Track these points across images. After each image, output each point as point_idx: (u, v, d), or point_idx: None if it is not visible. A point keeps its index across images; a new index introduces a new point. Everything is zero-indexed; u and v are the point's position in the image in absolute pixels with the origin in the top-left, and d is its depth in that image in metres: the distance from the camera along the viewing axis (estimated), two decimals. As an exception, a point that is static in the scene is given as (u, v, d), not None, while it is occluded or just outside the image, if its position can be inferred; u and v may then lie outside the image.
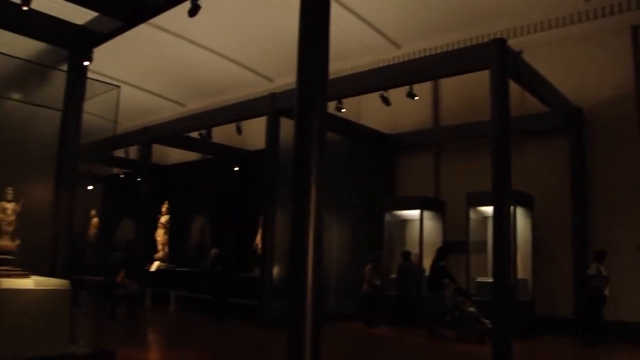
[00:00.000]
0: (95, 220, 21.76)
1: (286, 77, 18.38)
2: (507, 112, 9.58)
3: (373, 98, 13.47)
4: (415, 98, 12.55)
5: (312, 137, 5.52)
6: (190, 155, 20.60)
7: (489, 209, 13.31)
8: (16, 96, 7.94)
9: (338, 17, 14.58)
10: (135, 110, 21.18)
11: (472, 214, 13.25)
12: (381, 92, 12.27)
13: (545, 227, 13.12)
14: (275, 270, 12.46)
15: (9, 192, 6.42)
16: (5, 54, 6.25)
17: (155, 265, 17.16)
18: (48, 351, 5.90)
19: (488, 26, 14.14)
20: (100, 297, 12.16)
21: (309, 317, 5.22)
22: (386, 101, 12.41)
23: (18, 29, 8.55)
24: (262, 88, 18.97)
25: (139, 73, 19.16)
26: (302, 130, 5.58)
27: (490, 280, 11.59)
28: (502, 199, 9.29)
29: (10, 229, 6.29)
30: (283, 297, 12.22)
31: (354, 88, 12.26)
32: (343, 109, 12.88)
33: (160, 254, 18.04)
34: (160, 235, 18.29)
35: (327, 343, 5.35)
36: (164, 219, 18.37)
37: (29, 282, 5.96)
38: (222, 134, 16.73)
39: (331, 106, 12.92)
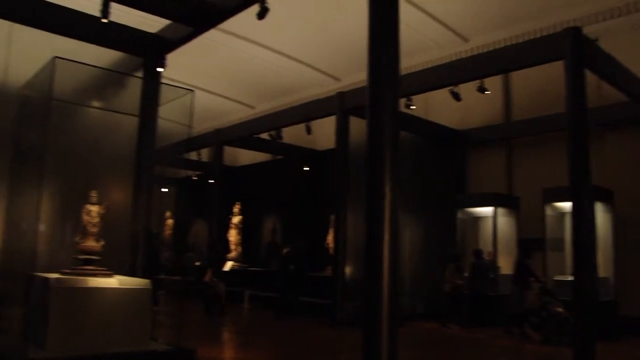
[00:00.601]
0: (170, 221, 22.52)
1: (353, 76, 18.34)
2: (584, 103, 9.23)
3: (441, 94, 13.26)
4: (486, 92, 12.23)
5: (384, 135, 5.50)
6: (260, 157, 20.96)
7: (566, 205, 12.92)
8: (96, 104, 8.28)
9: (403, 12, 14.37)
10: (206, 113, 21.69)
11: (549, 210, 12.84)
12: (451, 87, 12.03)
13: (627, 224, 12.51)
14: (348, 270, 12.46)
15: (93, 195, 6.70)
16: (86, 64, 6.52)
17: (228, 265, 17.50)
18: (131, 347, 6.12)
19: (560, 14, 13.62)
20: (180, 296, 12.53)
21: (385, 317, 5.17)
22: (456, 96, 12.19)
23: (96, 40, 8.94)
24: (329, 87, 19.06)
25: (209, 77, 19.59)
26: (374, 128, 5.56)
27: (570, 278, 11.22)
28: (580, 195, 8.96)
29: (95, 230, 6.56)
30: (355, 297, 12.26)
31: (423, 84, 12.11)
32: (413, 106, 12.72)
33: (233, 254, 18.42)
34: (232, 235, 18.67)
35: (404, 344, 5.27)
36: (236, 219, 18.74)
37: (113, 281, 6.21)
38: (292, 134, 16.90)
39: (400, 103, 12.79)
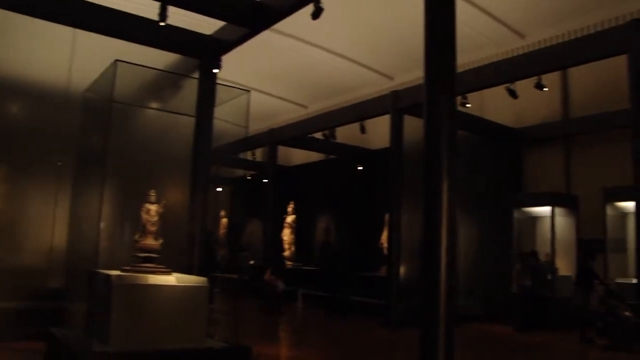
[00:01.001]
0: (224, 220, 22.90)
1: (407, 75, 18.18)
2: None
3: (496, 92, 13.01)
4: (544, 89, 11.91)
5: (442, 133, 5.45)
6: (314, 156, 21.03)
7: (628, 205, 12.49)
8: (155, 105, 8.49)
9: (457, 9, 14.19)
10: (259, 113, 21.91)
11: (609, 210, 12.43)
12: (507, 84, 11.77)
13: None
14: (402, 270, 12.35)
15: (152, 194, 6.86)
16: (146, 66, 6.68)
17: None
18: (188, 344, 6.23)
19: (619, 7, 13.09)
20: (235, 294, 12.70)
21: (443, 317, 5.10)
22: (513, 94, 11.91)
23: (154, 43, 9.19)
24: (382, 86, 18.95)
25: (262, 77, 19.77)
26: (432, 126, 5.52)
27: (634, 281, 10.82)
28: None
29: (154, 229, 6.72)
30: (410, 297, 12.15)
31: (478, 82, 11.91)
32: (468, 104, 12.51)
33: (286, 253, 18.57)
34: (286, 234, 18.83)
35: (459, 345, 5.18)
36: (290, 218, 18.89)
37: (171, 279, 6.34)
38: (344, 133, 16.88)
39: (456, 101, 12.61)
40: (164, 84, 8.93)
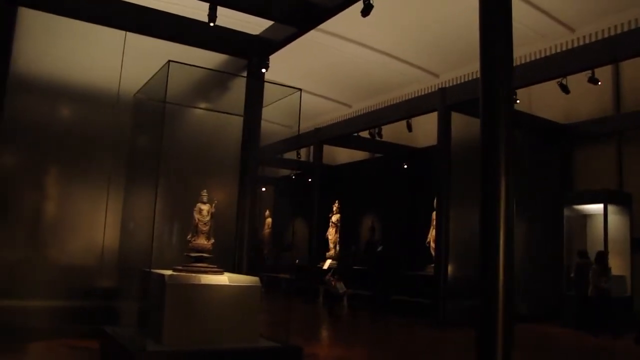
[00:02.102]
0: (269, 220, 23.03)
1: (452, 72, 17.97)
2: None
3: (544, 87, 12.68)
4: (598, 83, 11.55)
5: (499, 130, 5.31)
6: (358, 155, 20.92)
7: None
8: (206, 105, 8.56)
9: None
10: (303, 113, 21.89)
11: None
12: (559, 79, 11.44)
13: None
14: (450, 269, 12.16)
15: (204, 194, 6.91)
16: (199, 66, 6.73)
17: (327, 264, 17.62)
18: (241, 344, 6.25)
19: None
20: (284, 294, 12.76)
21: (501, 318, 5.00)
22: (565, 89, 11.56)
23: (202, 44, 9.27)
24: (427, 84, 18.77)
25: (305, 76, 19.75)
26: (489, 123, 5.41)
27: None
28: None
29: (206, 229, 6.76)
30: (458, 297, 11.96)
31: (527, 77, 11.60)
32: (517, 100, 12.22)
33: (331, 252, 18.54)
34: (331, 234, 18.80)
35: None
36: (334, 218, 18.85)
37: (224, 279, 6.36)
38: (389, 132, 16.73)
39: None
40: (213, 84, 9.00)
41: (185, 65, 6.31)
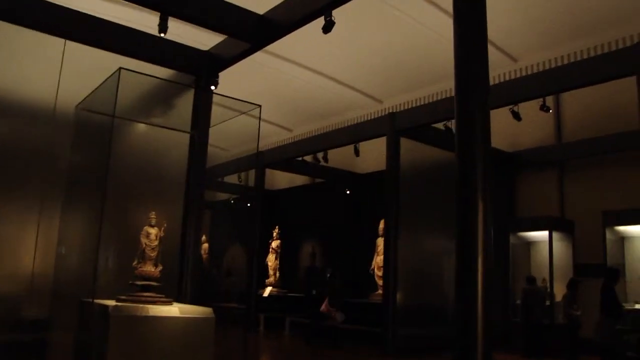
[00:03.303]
0: (205, 245, 22.17)
1: (396, 98, 17.99)
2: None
3: (495, 115, 12.80)
4: (549, 111, 11.77)
5: (476, 152, 5.08)
6: (298, 180, 20.54)
7: (627, 229, 12.34)
8: (153, 120, 8.00)
9: (447, 31, 14.09)
10: (243, 136, 21.38)
11: (609, 235, 12.23)
12: (511, 107, 11.54)
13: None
14: (399, 296, 11.89)
15: (152, 216, 6.36)
16: (152, 76, 6.21)
17: (267, 291, 17.07)
18: (190, 381, 5.69)
19: (613, 31, 13.04)
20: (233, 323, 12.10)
21: (480, 344, 4.71)
22: (517, 116, 11.65)
23: (148, 58, 8.72)
24: (370, 110, 18.71)
25: (247, 98, 19.31)
26: (465, 145, 5.15)
27: (637, 307, 10.57)
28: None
29: (153, 254, 6.21)
30: (408, 325, 11.73)
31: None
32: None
33: (271, 279, 17.97)
34: (271, 260, 18.25)
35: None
36: (274, 243, 18.34)
37: (174, 310, 5.81)
38: (333, 157, 16.51)
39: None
40: (163, 98, 8.45)
41: (137, 75, 5.84)
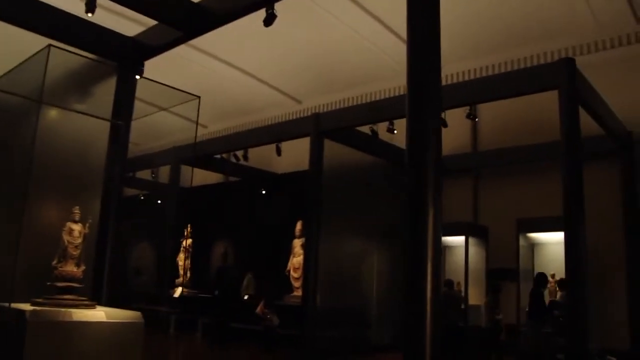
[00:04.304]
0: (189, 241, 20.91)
1: (315, 99, 17.91)
2: (579, 134, 9.10)
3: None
4: (476, 120, 12.10)
5: (427, 155, 5.00)
6: (211, 177, 19.93)
7: (538, 236, 12.96)
8: (76, 106, 7.37)
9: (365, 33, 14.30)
10: (153, 130, 20.50)
11: (522, 241, 12.77)
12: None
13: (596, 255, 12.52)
14: (318, 298, 11.76)
15: (76, 211, 5.81)
16: (83, 56, 5.67)
17: (178, 291, 16.43)
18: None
19: (533, 46, 13.67)
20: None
21: (429, 349, 4.64)
22: (443, 123, 11.76)
23: (68, 39, 8.03)
24: (289, 109, 18.55)
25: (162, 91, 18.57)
26: (416, 148, 5.04)
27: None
28: (575, 225, 8.77)
29: (76, 253, 5.67)
30: (327, 327, 11.65)
31: (397, 111, 11.76)
32: (395, 130, 12.28)
33: (181, 279, 17.33)
34: (182, 259, 17.59)
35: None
36: (186, 242, 17.69)
37: (100, 314, 5.32)
38: (251, 155, 16.16)
39: (382, 128, 12.44)
40: (85, 83, 7.82)
41: (61, 56, 5.28)
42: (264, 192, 17.55)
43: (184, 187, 19.61)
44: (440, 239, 5.04)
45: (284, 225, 15.82)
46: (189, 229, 17.81)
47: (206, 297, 16.50)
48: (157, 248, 17.36)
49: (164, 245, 16.21)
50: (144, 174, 18.07)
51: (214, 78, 17.22)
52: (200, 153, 15.30)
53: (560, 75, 9.19)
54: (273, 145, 14.81)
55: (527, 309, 10.65)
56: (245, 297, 15.72)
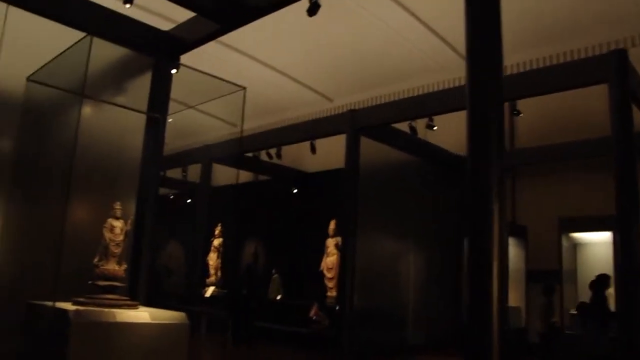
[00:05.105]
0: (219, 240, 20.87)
1: (346, 98, 17.62)
2: (631, 129, 8.66)
3: (444, 118, 12.59)
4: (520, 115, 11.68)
5: (490, 147, 4.67)
6: (242, 177, 19.73)
7: (581, 236, 12.49)
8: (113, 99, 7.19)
9: (394, 25, 13.98)
10: (187, 128, 20.40)
11: (564, 241, 12.34)
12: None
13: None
14: (355, 299, 11.45)
15: (118, 207, 5.60)
16: (125, 45, 5.45)
17: (210, 291, 16.25)
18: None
19: (582, 38, 13.14)
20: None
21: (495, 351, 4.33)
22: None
23: (105, 33, 7.87)
24: (320, 108, 18.27)
25: (192, 91, 18.42)
26: (478, 139, 4.74)
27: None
28: (629, 224, 8.33)
29: (118, 250, 5.45)
30: (364, 327, 11.37)
31: (437, 106, 11.42)
32: (435, 126, 11.94)
33: (212, 279, 17.16)
34: (212, 259, 17.42)
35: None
36: (216, 242, 17.52)
37: (144, 315, 5.09)
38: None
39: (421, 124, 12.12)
40: (122, 76, 7.65)
41: (102, 46, 5.07)
42: (295, 190, 17.31)
43: (216, 186, 19.51)
44: (506, 237, 4.70)
45: (316, 225, 15.58)
46: (219, 228, 17.65)
47: (236, 297, 16.31)
48: (187, 247, 17.26)
49: (196, 245, 16.07)
50: (174, 173, 17.99)
51: (243, 76, 16.96)
52: (231, 151, 15.13)
53: (610, 68, 8.77)
54: (303, 144, 14.60)
55: (575, 311, 10.23)
56: (278, 298, 15.51)
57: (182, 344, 5.18)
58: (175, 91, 7.92)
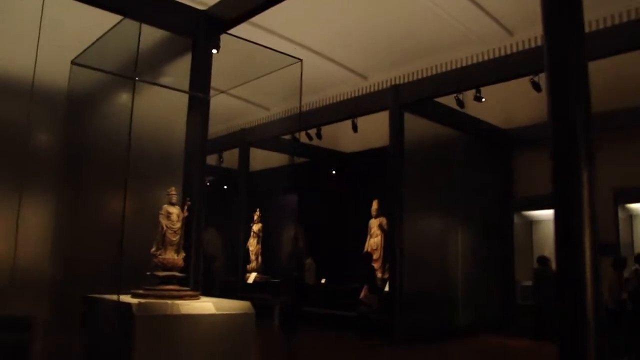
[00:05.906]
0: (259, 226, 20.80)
1: (381, 74, 17.14)
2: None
3: (488, 90, 12.08)
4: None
5: (576, 111, 4.26)
6: (273, 160, 19.43)
7: (637, 207, 11.92)
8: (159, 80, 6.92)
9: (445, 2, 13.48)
10: (217, 115, 20.14)
11: (620, 213, 11.80)
12: (532, 77, 10.76)
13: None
14: (405, 281, 11.13)
15: (173, 192, 5.32)
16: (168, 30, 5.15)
17: (252, 277, 16.11)
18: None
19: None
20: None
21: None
22: (537, 87, 10.82)
23: (142, 16, 7.57)
24: (354, 87, 17.82)
25: (220, 74, 18.10)
26: (561, 103, 4.33)
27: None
28: None
29: (175, 239, 5.18)
30: (413, 310, 11.06)
31: (474, 79, 10.98)
32: (483, 98, 11.45)
33: (253, 265, 17.00)
34: (252, 244, 17.24)
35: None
36: (256, 227, 17.33)
37: (209, 306, 4.82)
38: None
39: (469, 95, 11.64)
40: (163, 57, 7.38)
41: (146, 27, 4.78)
42: (334, 172, 16.98)
43: (253, 170, 19.28)
44: (594, 205, 4.31)
45: (357, 206, 15.28)
46: (258, 213, 17.45)
47: (278, 282, 16.14)
48: (225, 234, 17.10)
49: (237, 231, 15.89)
50: (209, 159, 17.77)
51: (274, 57, 16.64)
52: (269, 135, 14.85)
53: None
54: (340, 124, 14.23)
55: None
56: (323, 281, 15.29)
57: (249, 334, 4.92)
58: (223, 69, 7.58)
